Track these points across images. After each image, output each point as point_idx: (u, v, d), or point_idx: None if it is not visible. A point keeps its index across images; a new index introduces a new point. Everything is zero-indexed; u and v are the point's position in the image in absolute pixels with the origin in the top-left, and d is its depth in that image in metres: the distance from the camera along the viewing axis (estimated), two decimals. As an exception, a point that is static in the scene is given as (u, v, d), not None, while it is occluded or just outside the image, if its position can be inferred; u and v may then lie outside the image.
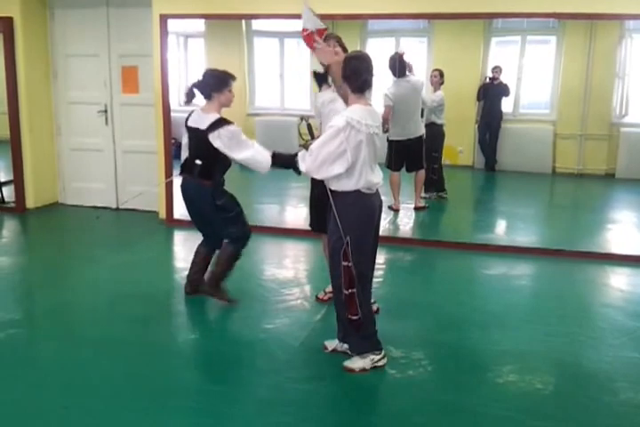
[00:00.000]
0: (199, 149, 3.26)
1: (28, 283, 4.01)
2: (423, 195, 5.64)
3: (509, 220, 5.74)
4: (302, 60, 6.86)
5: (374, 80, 2.64)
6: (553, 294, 3.76)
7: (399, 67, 5.07)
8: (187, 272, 3.65)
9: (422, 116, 5.50)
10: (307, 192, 3.40)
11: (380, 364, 2.76)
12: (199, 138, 3.21)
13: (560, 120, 6.73)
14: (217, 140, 3.15)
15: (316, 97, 3.14)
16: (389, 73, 5.14)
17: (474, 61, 6.71)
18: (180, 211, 5.22)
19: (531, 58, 6.87)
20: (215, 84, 3.23)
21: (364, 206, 2.64)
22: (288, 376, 2.80)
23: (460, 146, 6.83)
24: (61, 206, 5.74)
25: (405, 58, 5.15)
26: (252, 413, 2.46)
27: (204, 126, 3.19)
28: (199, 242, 3.58)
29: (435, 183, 5.71)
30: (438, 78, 5.61)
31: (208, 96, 3.25)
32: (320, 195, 2.90)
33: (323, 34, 3.08)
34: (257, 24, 6.71)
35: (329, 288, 3.38)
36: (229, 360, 2.90)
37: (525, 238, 4.90)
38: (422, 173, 5.49)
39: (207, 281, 3.47)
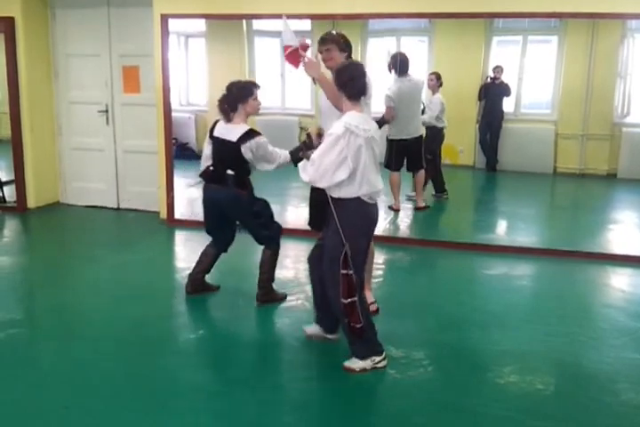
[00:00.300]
0: (229, 159, 3.31)
1: (29, 283, 4.01)
2: (411, 195, 5.61)
3: (510, 220, 5.73)
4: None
5: (370, 86, 2.69)
6: (554, 295, 3.76)
7: (400, 65, 5.07)
8: (188, 272, 3.66)
9: (423, 113, 5.49)
10: (307, 192, 3.40)
11: (380, 365, 2.76)
12: (230, 149, 3.27)
13: (561, 120, 6.71)
14: (249, 151, 3.24)
15: (319, 95, 3.14)
16: (389, 72, 5.13)
17: (475, 61, 6.70)
18: (181, 211, 5.24)
19: (532, 57, 6.85)
20: (239, 94, 3.27)
21: (365, 215, 2.66)
22: (288, 376, 2.81)
23: (461, 146, 6.82)
24: (62, 206, 5.74)
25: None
26: (252, 413, 2.46)
27: (234, 138, 3.25)
28: (204, 242, 3.59)
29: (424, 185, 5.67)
30: (435, 82, 5.61)
31: (234, 108, 3.28)
32: (320, 194, 2.90)
33: (307, 48, 3.07)
34: (258, 24, 6.70)
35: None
36: (229, 360, 2.90)
37: (526, 239, 4.89)
38: (422, 173, 5.48)
39: (260, 290, 3.48)
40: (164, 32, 4.90)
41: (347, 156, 2.51)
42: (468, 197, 6.56)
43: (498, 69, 6.56)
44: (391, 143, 5.31)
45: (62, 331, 3.23)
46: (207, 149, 3.40)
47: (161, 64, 4.95)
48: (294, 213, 5.47)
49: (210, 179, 3.40)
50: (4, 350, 2.96)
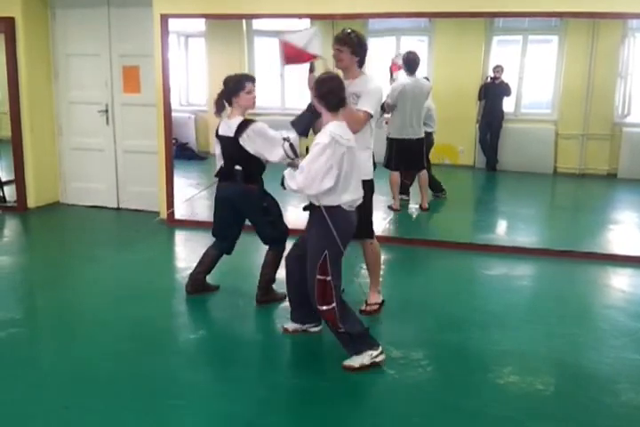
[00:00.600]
0: (235, 155, 3.30)
1: (29, 282, 4.01)
2: (404, 197, 5.60)
3: (510, 220, 5.73)
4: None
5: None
6: (554, 295, 3.76)
7: (408, 64, 5.11)
8: (188, 272, 3.66)
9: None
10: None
11: (378, 359, 2.77)
12: (232, 145, 3.26)
13: (562, 120, 6.71)
14: (247, 143, 3.21)
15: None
16: (389, 73, 5.14)
17: (475, 61, 6.70)
18: (181, 211, 5.24)
19: (532, 57, 6.85)
20: (232, 88, 3.27)
21: (346, 222, 2.75)
22: (288, 376, 2.81)
23: (461, 146, 6.82)
24: (62, 206, 5.74)
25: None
26: (252, 412, 2.46)
27: (232, 133, 3.24)
28: (204, 243, 3.61)
29: (407, 187, 5.63)
30: None
31: (230, 102, 3.28)
32: None
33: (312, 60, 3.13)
34: (257, 24, 6.70)
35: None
36: (230, 360, 2.90)
37: (526, 239, 4.89)
38: (425, 173, 5.48)
39: (260, 290, 3.49)
40: (164, 32, 4.89)
41: (332, 164, 2.62)
42: (467, 197, 6.55)
43: (498, 69, 6.55)
44: (391, 142, 5.31)
45: (62, 331, 3.23)
46: (217, 149, 3.41)
47: (161, 64, 4.95)
48: (295, 214, 5.46)
49: (221, 177, 3.40)
50: (5, 350, 2.96)
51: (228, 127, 3.28)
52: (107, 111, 5.49)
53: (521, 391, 2.63)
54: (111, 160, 5.59)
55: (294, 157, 2.74)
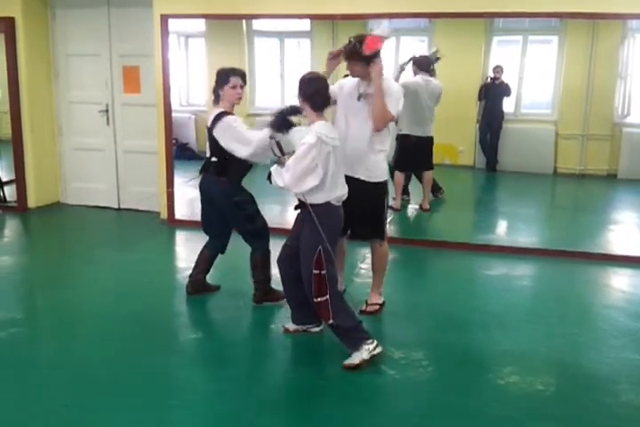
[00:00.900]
0: (211, 146, 3.28)
1: (30, 282, 4.01)
2: (404, 197, 5.60)
3: (510, 220, 5.73)
4: (302, 60, 6.86)
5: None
6: (554, 295, 3.75)
7: (421, 62, 5.12)
8: (188, 272, 3.66)
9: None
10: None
11: (376, 352, 2.79)
12: (209, 135, 3.24)
13: (562, 120, 6.72)
14: (219, 134, 3.17)
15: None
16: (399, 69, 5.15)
17: (475, 61, 6.71)
18: (182, 211, 5.24)
19: (532, 58, 6.86)
20: (218, 81, 3.24)
21: (334, 218, 2.82)
22: (288, 376, 2.81)
23: (461, 146, 6.83)
24: (63, 206, 5.74)
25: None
26: (252, 412, 2.46)
27: (209, 124, 3.22)
28: (203, 243, 3.59)
29: (406, 187, 5.62)
30: None
31: (217, 95, 3.26)
32: None
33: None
34: (257, 24, 6.72)
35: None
36: (230, 360, 2.90)
37: (526, 239, 4.89)
38: (429, 173, 5.47)
39: (257, 291, 3.45)
40: (164, 32, 4.89)
41: (317, 164, 2.66)
42: (467, 198, 6.55)
43: (498, 69, 6.56)
44: (400, 139, 5.26)
45: (62, 330, 3.23)
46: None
47: (161, 64, 4.94)
48: (295, 214, 5.46)
49: (201, 168, 3.36)
50: (5, 350, 2.96)
51: (210, 118, 3.25)
52: (107, 111, 5.48)
53: (521, 391, 2.63)
54: (111, 160, 5.59)
55: (280, 154, 2.75)
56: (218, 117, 3.18)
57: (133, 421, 2.39)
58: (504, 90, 6.59)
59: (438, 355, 2.96)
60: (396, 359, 2.87)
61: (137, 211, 5.50)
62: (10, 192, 5.67)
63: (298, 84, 2.79)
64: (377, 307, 3.39)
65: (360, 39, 3.00)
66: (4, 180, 5.72)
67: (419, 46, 6.84)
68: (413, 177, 5.65)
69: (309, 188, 2.68)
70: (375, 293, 3.42)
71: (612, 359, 2.91)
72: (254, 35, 6.94)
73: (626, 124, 6.61)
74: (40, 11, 5.42)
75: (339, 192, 2.80)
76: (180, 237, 5.00)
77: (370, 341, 2.79)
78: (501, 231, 5.52)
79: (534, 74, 6.88)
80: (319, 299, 2.78)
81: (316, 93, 2.74)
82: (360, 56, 3.01)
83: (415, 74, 5.18)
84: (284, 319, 3.25)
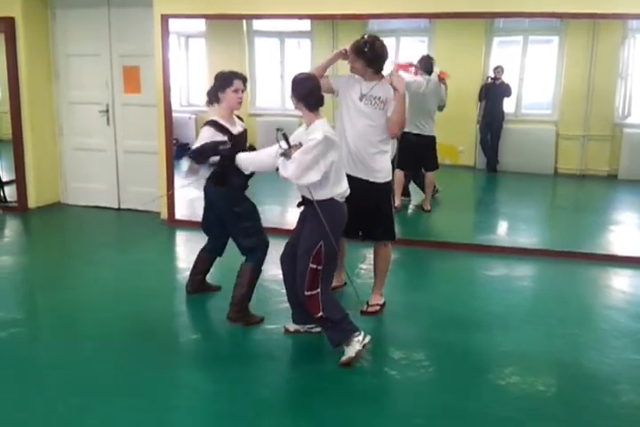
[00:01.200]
0: None
1: (30, 282, 4.01)
2: (404, 198, 5.59)
3: (511, 221, 5.72)
4: (303, 61, 6.86)
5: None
6: (554, 296, 3.75)
7: (427, 64, 5.17)
8: (188, 272, 3.65)
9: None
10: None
11: (366, 341, 2.81)
12: None
13: (562, 121, 6.71)
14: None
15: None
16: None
17: (475, 61, 6.70)
18: (182, 211, 5.23)
19: (533, 58, 6.85)
20: (219, 84, 3.19)
21: (341, 212, 2.84)
22: (288, 377, 2.81)
23: (462, 146, 6.82)
24: (63, 206, 5.74)
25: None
26: (252, 412, 2.46)
27: None
28: (203, 243, 3.58)
29: (406, 187, 5.61)
30: None
31: (217, 99, 3.20)
32: None
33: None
34: (258, 24, 6.71)
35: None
36: (230, 360, 2.90)
37: (527, 240, 4.88)
38: (431, 175, 5.46)
39: (231, 307, 3.22)
40: (165, 32, 4.89)
41: (320, 160, 2.69)
42: (468, 198, 6.55)
43: (498, 70, 6.55)
44: (400, 137, 5.22)
45: (63, 330, 3.23)
46: None
47: (161, 64, 4.95)
48: (295, 214, 5.46)
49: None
50: (5, 350, 2.96)
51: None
52: (107, 111, 5.49)
53: (522, 392, 2.63)
54: (112, 160, 5.59)
55: (287, 146, 2.76)
56: (204, 124, 3.18)
57: (133, 421, 2.39)
58: (504, 90, 6.58)
59: (439, 355, 2.96)
60: (397, 360, 2.86)
61: (137, 211, 5.50)
62: (10, 192, 5.67)
63: (291, 85, 2.80)
64: (378, 308, 3.39)
65: (371, 41, 3.05)
66: (5, 180, 5.72)
67: (419, 47, 6.84)
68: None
69: (311, 182, 2.70)
70: (376, 293, 3.42)
71: (613, 360, 2.91)
72: (254, 35, 6.93)
73: (626, 125, 6.60)
74: (40, 11, 5.43)
75: (342, 188, 2.83)
76: (180, 237, 5.00)
77: (357, 333, 2.82)
78: (502, 232, 5.52)
79: (535, 74, 6.87)
80: (310, 292, 2.81)
81: (309, 94, 2.76)
82: (364, 55, 3.04)
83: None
84: (284, 319, 3.24)
